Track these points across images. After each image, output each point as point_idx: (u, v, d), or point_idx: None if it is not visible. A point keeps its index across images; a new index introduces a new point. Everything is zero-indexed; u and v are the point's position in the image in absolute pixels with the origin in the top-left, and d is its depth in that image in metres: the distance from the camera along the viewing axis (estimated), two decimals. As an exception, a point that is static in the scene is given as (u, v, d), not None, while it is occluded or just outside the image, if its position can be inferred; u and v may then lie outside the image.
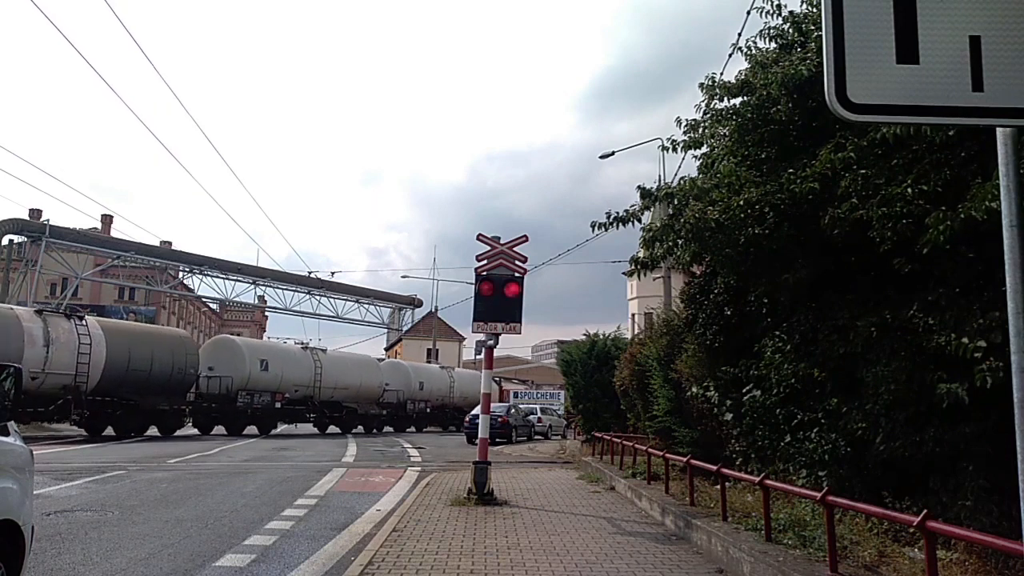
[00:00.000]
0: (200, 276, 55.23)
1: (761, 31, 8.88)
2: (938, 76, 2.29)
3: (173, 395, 28.37)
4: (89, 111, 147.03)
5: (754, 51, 9.01)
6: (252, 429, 31.07)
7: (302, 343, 38.43)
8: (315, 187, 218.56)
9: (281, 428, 33.61)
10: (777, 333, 8.62)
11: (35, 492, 5.67)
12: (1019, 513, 2.17)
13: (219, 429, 30.38)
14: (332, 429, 36.40)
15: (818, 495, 5.88)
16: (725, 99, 8.91)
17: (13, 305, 27.40)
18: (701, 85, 9.17)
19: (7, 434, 4.54)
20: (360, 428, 37.35)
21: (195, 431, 29.89)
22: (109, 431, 26.32)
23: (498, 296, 11.66)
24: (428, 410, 42.69)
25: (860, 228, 6.57)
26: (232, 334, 34.53)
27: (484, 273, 11.80)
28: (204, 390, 30.14)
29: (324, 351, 37.16)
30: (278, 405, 32.38)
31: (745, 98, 8.64)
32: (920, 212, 5.95)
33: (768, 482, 7.06)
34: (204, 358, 30.58)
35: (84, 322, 25.80)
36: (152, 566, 6.67)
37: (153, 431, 27.90)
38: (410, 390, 41.83)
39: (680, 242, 8.81)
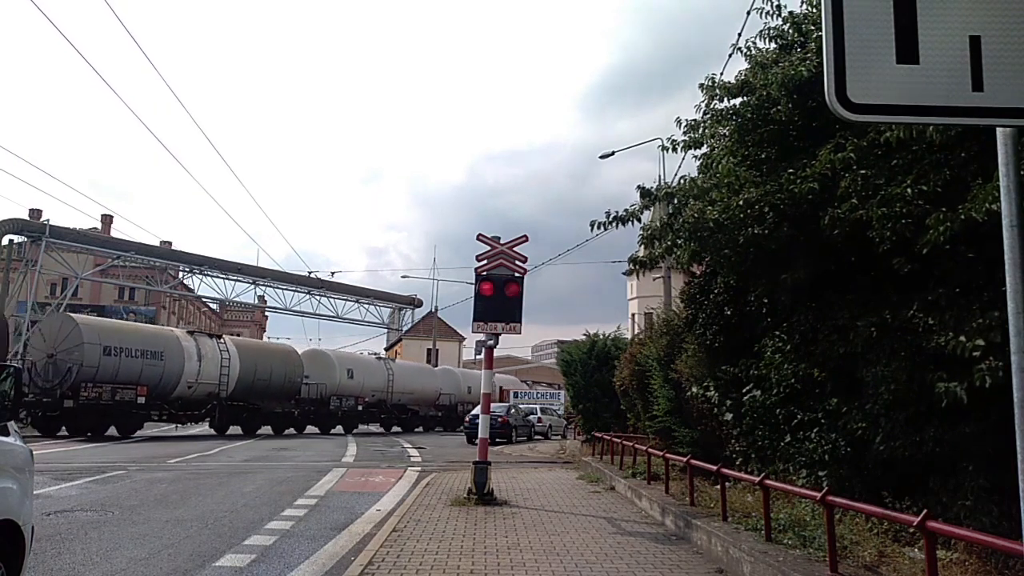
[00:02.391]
0: (200, 276, 55.19)
1: (761, 31, 8.89)
2: (938, 76, 2.29)
3: (284, 400, 33.82)
4: (89, 111, 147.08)
5: (754, 51, 9.02)
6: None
7: (375, 354, 44.43)
8: (315, 187, 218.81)
9: (360, 428, 38.41)
10: (777, 333, 8.62)
11: (35, 492, 5.67)
12: (1019, 513, 2.17)
13: (311, 429, 34.92)
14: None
15: (818, 495, 5.88)
16: (725, 99, 8.92)
17: (173, 327, 32.99)
18: (701, 86, 9.17)
19: (7, 434, 4.54)
20: (420, 428, 41.98)
21: (292, 430, 33.90)
22: (235, 430, 31.01)
23: (498, 296, 11.66)
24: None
25: (860, 228, 6.56)
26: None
27: (484, 273, 11.80)
28: (304, 395, 34.76)
29: (393, 360, 43.76)
30: (360, 408, 37.67)
31: (745, 98, 8.64)
32: (920, 212, 5.95)
33: (768, 482, 7.06)
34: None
35: (223, 340, 31.63)
36: (152, 566, 6.67)
37: (267, 430, 32.48)
38: (460, 394, 45.72)
39: (679, 242, 8.81)
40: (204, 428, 30.81)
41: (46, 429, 25.59)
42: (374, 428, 40.14)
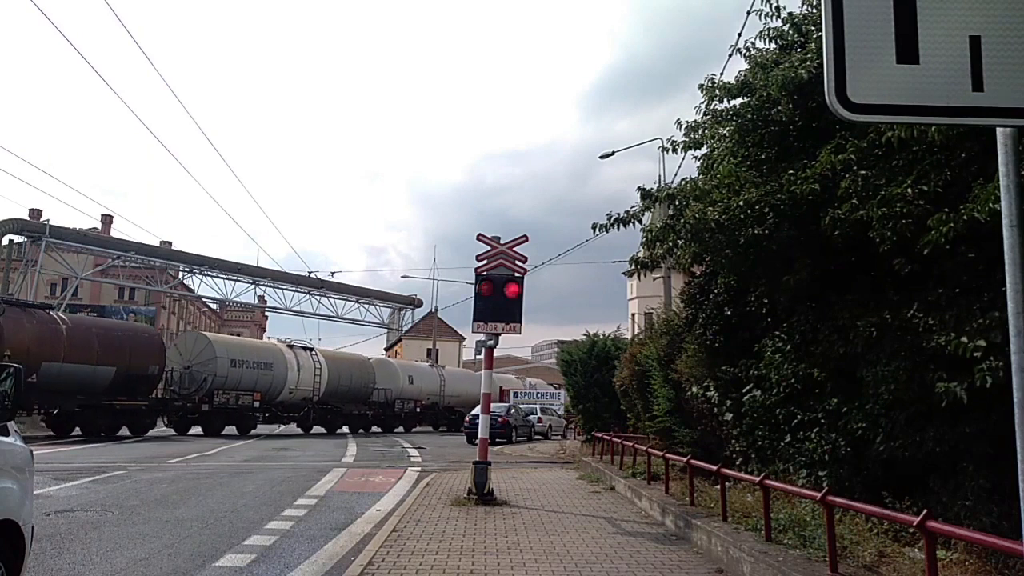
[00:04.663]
0: (200, 276, 55.11)
1: (760, 32, 8.88)
2: (938, 76, 2.29)
3: (360, 403, 38.73)
4: (89, 111, 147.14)
5: (753, 52, 9.02)
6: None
7: (430, 362, 49.11)
8: (315, 186, 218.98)
9: (416, 428, 42.38)
10: (777, 333, 8.61)
11: (35, 492, 5.67)
12: (1019, 513, 2.17)
13: (375, 428, 39.42)
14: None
15: (818, 495, 5.87)
16: (725, 100, 8.92)
17: (275, 342, 37.52)
18: (701, 86, 9.17)
19: (7, 434, 4.53)
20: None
21: (360, 430, 38.02)
22: (318, 429, 35.95)
23: (498, 296, 11.65)
24: None
25: (860, 228, 6.57)
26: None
27: (484, 273, 11.79)
28: (374, 399, 39.62)
29: (443, 367, 48.76)
30: (418, 410, 42.60)
31: (745, 99, 8.64)
32: (920, 212, 5.95)
33: (768, 482, 7.05)
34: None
35: (315, 352, 36.62)
36: (152, 566, 6.67)
37: (344, 429, 37.35)
38: (496, 396, 48.27)
39: (680, 243, 8.81)
40: (293, 428, 35.30)
41: (181, 428, 29.90)
42: (427, 428, 43.73)
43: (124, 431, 27.67)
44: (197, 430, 29.91)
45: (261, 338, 66.73)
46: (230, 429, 30.78)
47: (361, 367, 39.71)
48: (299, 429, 35.20)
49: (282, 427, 34.87)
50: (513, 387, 49.25)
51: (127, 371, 26.89)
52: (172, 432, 29.54)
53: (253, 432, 31.44)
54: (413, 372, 43.84)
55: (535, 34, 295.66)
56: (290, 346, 35.57)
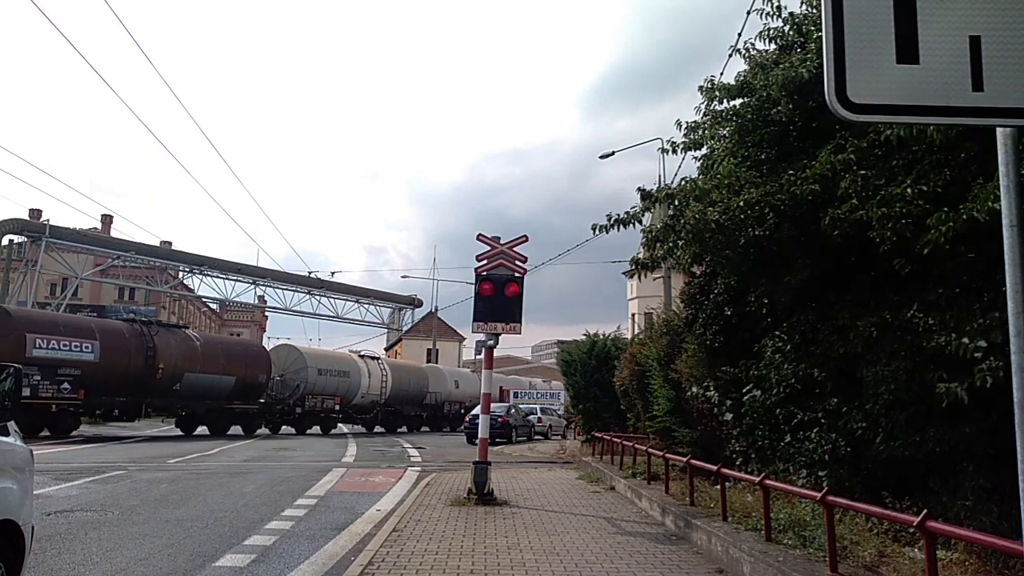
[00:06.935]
0: (200, 276, 55.14)
1: (760, 32, 8.88)
2: (938, 76, 2.29)
3: (416, 405, 42.94)
4: (89, 111, 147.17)
5: (753, 52, 9.01)
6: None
7: (472, 368, 52.85)
8: (315, 187, 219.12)
9: (460, 428, 42.90)
10: (777, 333, 8.61)
11: (35, 492, 5.67)
12: (1019, 513, 2.17)
13: (425, 428, 43.18)
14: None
15: (818, 495, 5.87)
16: (725, 101, 8.92)
17: (349, 352, 42.07)
18: (700, 88, 9.17)
19: (7, 434, 4.53)
20: None
21: (415, 429, 41.72)
22: (378, 429, 39.51)
23: (498, 296, 11.65)
24: None
25: (860, 229, 6.56)
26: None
27: (484, 273, 11.79)
28: (428, 402, 43.94)
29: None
30: (462, 412, 44.61)
31: (745, 99, 8.64)
32: (920, 212, 5.95)
33: (768, 482, 7.05)
34: None
35: (381, 361, 41.94)
36: (152, 566, 6.67)
37: (403, 429, 41.04)
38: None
39: (680, 243, 8.81)
40: (359, 428, 38.95)
41: (276, 429, 33.75)
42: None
43: (236, 430, 31.34)
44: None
45: (261, 339, 67.01)
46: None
47: (417, 373, 44.11)
48: (363, 429, 38.83)
49: (354, 427, 39.27)
50: (538, 389, 50.40)
51: (244, 380, 31.63)
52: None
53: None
54: (459, 377, 48.43)
55: (535, 34, 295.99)
56: (360, 356, 40.39)
